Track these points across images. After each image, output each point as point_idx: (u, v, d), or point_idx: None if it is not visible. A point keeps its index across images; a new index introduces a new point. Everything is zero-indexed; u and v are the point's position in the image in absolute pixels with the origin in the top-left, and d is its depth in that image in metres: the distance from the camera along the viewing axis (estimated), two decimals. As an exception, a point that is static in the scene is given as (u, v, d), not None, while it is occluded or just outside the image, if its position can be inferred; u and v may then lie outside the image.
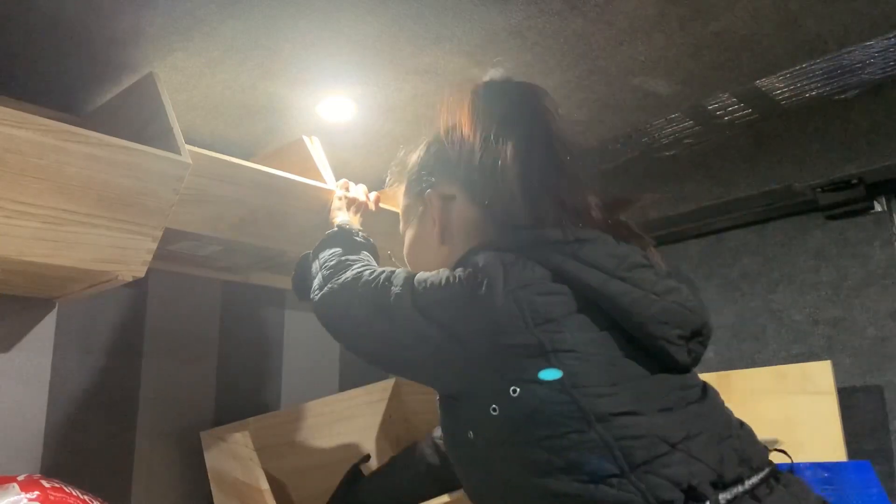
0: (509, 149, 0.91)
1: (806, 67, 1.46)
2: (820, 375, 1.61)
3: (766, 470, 0.81)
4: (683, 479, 0.74)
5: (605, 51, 1.32)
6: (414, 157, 1.08)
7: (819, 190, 1.74)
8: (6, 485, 1.02)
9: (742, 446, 0.82)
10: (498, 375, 0.81)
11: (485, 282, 0.83)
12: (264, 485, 1.25)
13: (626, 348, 0.84)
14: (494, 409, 0.81)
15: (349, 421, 1.64)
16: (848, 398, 1.68)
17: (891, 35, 1.34)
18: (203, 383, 1.58)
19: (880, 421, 1.67)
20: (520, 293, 0.82)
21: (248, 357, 1.68)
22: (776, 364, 1.82)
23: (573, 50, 1.31)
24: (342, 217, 1.31)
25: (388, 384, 1.74)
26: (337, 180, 1.44)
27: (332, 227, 1.26)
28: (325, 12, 1.16)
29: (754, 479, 0.79)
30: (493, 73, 1.01)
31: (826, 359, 1.68)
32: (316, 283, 1.07)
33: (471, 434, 0.84)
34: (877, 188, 1.74)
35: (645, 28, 1.26)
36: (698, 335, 0.90)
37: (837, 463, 1.42)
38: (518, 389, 0.80)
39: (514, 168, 0.91)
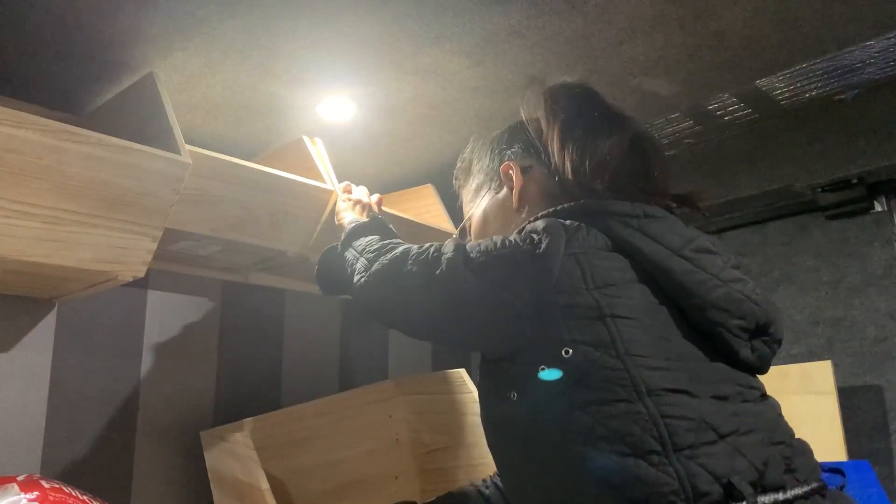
0: (579, 131, 0.96)
1: (806, 67, 1.46)
2: (820, 375, 1.61)
3: (814, 485, 0.78)
4: (724, 472, 0.72)
5: (605, 51, 1.32)
6: (486, 147, 1.11)
7: (819, 190, 1.74)
8: (6, 485, 1.01)
9: (792, 456, 0.80)
10: (551, 335, 0.80)
11: (545, 241, 0.83)
12: (264, 484, 1.25)
13: (685, 329, 0.82)
14: (543, 369, 0.80)
15: (349, 421, 1.64)
16: (848, 398, 1.68)
17: (891, 35, 1.34)
18: (203, 383, 1.58)
19: (880, 421, 1.67)
20: (580, 255, 0.82)
21: (248, 357, 1.68)
22: (776, 364, 1.81)
23: (573, 50, 1.31)
24: (350, 216, 1.31)
25: (388, 384, 1.73)
26: (339, 182, 1.45)
27: (341, 227, 1.27)
28: (325, 12, 1.16)
29: (797, 491, 0.76)
30: (564, 79, 1.05)
31: (826, 359, 1.68)
32: (359, 266, 1.04)
33: (514, 395, 0.83)
34: (877, 188, 1.74)
35: (645, 28, 1.26)
36: (764, 333, 0.88)
37: (837, 463, 1.42)
38: (570, 350, 0.78)
39: (588, 149, 0.94)
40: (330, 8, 1.15)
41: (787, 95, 1.59)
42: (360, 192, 1.39)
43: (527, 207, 1.00)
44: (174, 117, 1.19)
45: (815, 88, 1.57)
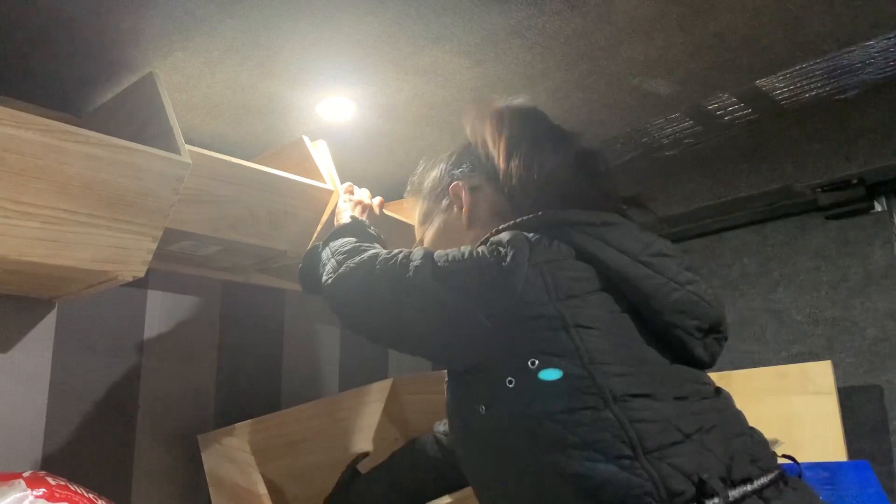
0: (525, 146, 0.98)
1: (806, 67, 1.46)
2: (820, 375, 1.62)
3: (775, 472, 0.81)
4: (694, 470, 0.74)
5: (605, 51, 1.32)
6: (434, 169, 1.14)
7: (819, 190, 1.74)
8: (12, 480, 1.01)
9: (753, 446, 0.82)
10: (517, 347, 0.82)
11: (510, 254, 0.84)
12: (262, 489, 1.24)
13: (645, 334, 0.85)
14: (510, 381, 0.81)
15: (349, 421, 1.64)
16: (848, 398, 1.68)
17: (891, 35, 1.34)
18: (203, 383, 1.58)
19: (880, 421, 1.67)
20: (544, 266, 0.84)
21: (248, 357, 1.68)
22: (777, 364, 1.82)
23: (573, 50, 1.31)
24: (347, 217, 1.32)
25: (388, 384, 1.73)
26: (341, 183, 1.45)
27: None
28: (325, 12, 1.16)
29: (763, 480, 0.79)
30: (509, 100, 1.08)
31: (826, 359, 1.68)
32: (329, 267, 1.06)
33: (482, 408, 0.84)
34: (877, 188, 1.74)
35: (645, 28, 1.26)
36: (716, 331, 0.91)
37: (836, 463, 1.42)
38: (536, 361, 0.80)
39: (535, 162, 0.97)
40: (330, 8, 1.15)
41: (787, 95, 1.59)
42: (362, 194, 1.39)
43: (478, 226, 1.03)
44: (174, 117, 1.19)
45: (815, 88, 1.57)
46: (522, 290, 0.82)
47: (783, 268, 1.89)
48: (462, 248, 0.91)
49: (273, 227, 1.41)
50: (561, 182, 0.96)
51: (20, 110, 0.98)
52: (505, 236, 0.88)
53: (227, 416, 1.56)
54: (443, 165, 1.13)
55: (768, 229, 1.94)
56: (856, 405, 1.70)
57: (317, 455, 1.56)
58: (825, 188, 1.73)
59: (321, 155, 1.49)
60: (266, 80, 1.36)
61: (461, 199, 1.06)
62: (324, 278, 1.06)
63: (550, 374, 0.80)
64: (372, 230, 1.21)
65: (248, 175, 1.32)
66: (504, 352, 0.83)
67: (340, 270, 1.02)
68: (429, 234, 1.12)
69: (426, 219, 1.13)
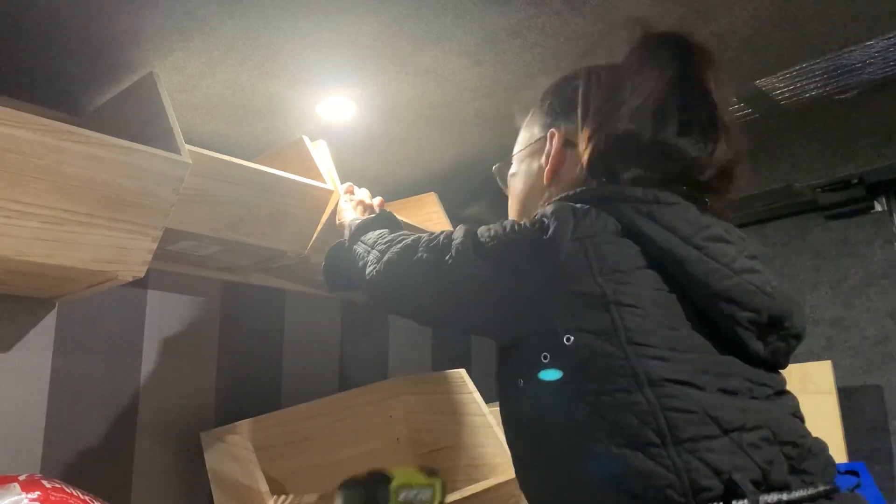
0: (622, 112, 0.88)
1: (806, 67, 1.46)
2: (820, 375, 1.61)
3: (821, 488, 0.76)
4: (726, 468, 0.71)
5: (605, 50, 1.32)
6: (548, 98, 1.02)
7: (819, 190, 1.74)
8: (7, 485, 1.01)
9: (800, 457, 0.77)
10: (554, 322, 0.79)
11: (552, 227, 0.81)
12: (264, 487, 1.24)
13: (695, 320, 0.79)
14: (545, 357, 0.79)
15: (349, 421, 1.64)
16: (848, 398, 1.68)
17: (891, 35, 1.34)
18: (203, 383, 1.58)
19: (880, 421, 1.67)
20: (587, 241, 0.80)
21: (248, 357, 1.68)
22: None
23: (573, 50, 1.31)
24: (352, 215, 1.32)
25: (388, 384, 1.73)
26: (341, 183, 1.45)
27: (343, 227, 1.27)
28: (325, 12, 1.16)
29: (801, 493, 0.74)
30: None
31: (826, 359, 1.68)
32: (371, 258, 1.04)
33: (521, 382, 0.82)
34: (877, 188, 1.74)
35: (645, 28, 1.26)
36: (779, 327, 0.83)
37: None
38: (572, 338, 0.77)
39: (612, 130, 0.88)
40: (330, 8, 1.15)
41: (787, 95, 1.59)
42: (362, 194, 1.39)
43: (554, 187, 0.96)
44: (174, 117, 1.19)
45: (815, 88, 1.57)
46: (563, 264, 0.79)
47: (783, 268, 1.89)
48: (505, 221, 0.88)
49: (273, 227, 1.41)
50: (634, 156, 0.88)
51: (20, 110, 0.98)
52: (550, 208, 0.84)
53: (226, 416, 1.56)
54: (555, 99, 1.00)
55: (768, 229, 1.94)
56: (856, 405, 1.70)
57: (317, 455, 1.56)
58: (825, 188, 1.73)
59: (321, 155, 1.49)
60: (266, 80, 1.36)
61: (552, 150, 0.96)
62: (367, 270, 1.04)
63: (583, 348, 0.76)
64: (399, 219, 1.19)
65: (248, 175, 1.32)
66: (542, 326, 0.80)
67: (385, 258, 1.00)
68: (514, 170, 1.04)
69: (525, 140, 1.03)
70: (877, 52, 1.42)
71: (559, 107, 0.98)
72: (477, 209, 2.02)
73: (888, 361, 1.69)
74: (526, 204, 1.01)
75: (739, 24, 1.26)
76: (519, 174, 1.03)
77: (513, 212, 1.04)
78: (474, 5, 1.17)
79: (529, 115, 1.04)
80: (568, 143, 0.95)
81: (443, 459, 1.64)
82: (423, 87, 1.41)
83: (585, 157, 0.90)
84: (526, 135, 1.03)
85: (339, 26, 1.20)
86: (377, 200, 1.39)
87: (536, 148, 1.00)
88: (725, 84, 0.92)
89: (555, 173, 0.96)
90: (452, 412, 1.63)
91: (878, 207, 1.77)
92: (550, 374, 0.79)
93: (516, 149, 1.05)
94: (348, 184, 1.42)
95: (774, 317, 0.83)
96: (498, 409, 1.64)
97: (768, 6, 1.21)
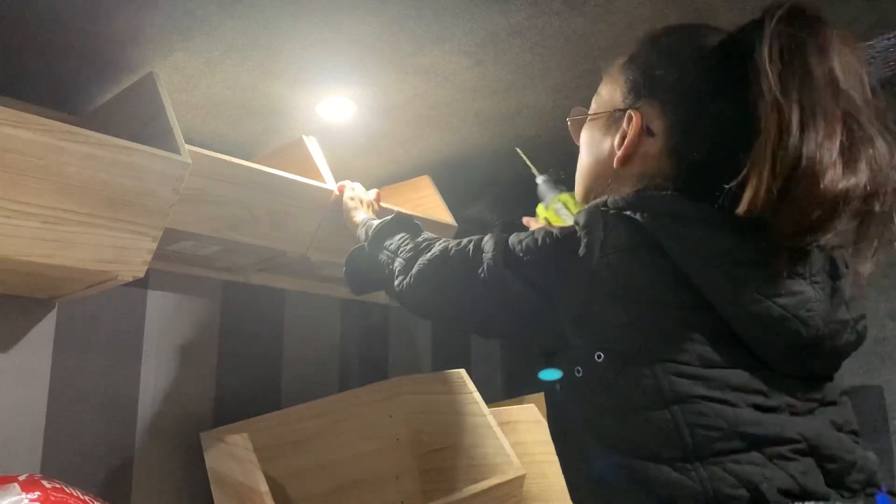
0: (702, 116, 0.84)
1: (806, 67, 1.46)
2: (820, 375, 1.61)
3: (861, 499, 0.74)
4: (753, 479, 0.69)
5: (605, 51, 1.32)
6: (631, 69, 0.93)
7: (819, 190, 1.74)
8: (7, 485, 1.01)
9: (840, 469, 0.75)
10: (584, 339, 0.79)
11: (583, 242, 0.80)
12: (263, 487, 1.24)
13: (726, 336, 0.76)
14: (578, 371, 0.80)
15: (349, 421, 1.64)
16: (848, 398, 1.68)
17: (891, 35, 1.34)
18: (203, 383, 1.58)
19: (880, 421, 1.67)
20: (613, 257, 0.78)
21: (248, 357, 1.68)
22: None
23: (573, 50, 1.31)
24: (362, 215, 1.32)
25: (387, 384, 1.74)
26: (337, 181, 1.45)
27: (354, 226, 1.27)
28: (325, 12, 1.16)
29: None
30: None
31: (826, 359, 1.68)
32: (397, 268, 1.04)
33: (558, 387, 0.84)
34: (877, 188, 1.74)
35: (645, 28, 1.25)
36: (818, 347, 0.78)
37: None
38: (602, 356, 0.77)
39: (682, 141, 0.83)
40: (330, 8, 1.15)
41: (787, 95, 1.59)
42: (357, 189, 1.40)
43: (626, 173, 0.87)
44: (174, 117, 1.19)
45: (815, 88, 1.56)
46: (591, 283, 0.78)
47: (783, 268, 1.89)
48: (537, 231, 0.86)
49: (273, 227, 1.41)
50: (701, 171, 0.81)
51: (20, 110, 0.98)
52: (583, 217, 0.82)
53: (226, 416, 1.56)
54: (644, 75, 0.90)
55: (768, 229, 1.94)
56: (856, 405, 1.69)
57: (318, 454, 1.56)
58: (825, 188, 1.73)
59: (314, 151, 1.49)
60: (266, 80, 1.36)
61: (629, 133, 0.87)
62: (396, 281, 1.04)
63: (552, 375, 0.79)
64: (416, 220, 1.18)
65: (248, 175, 1.32)
66: (574, 342, 0.81)
67: (414, 271, 1.00)
68: (583, 140, 0.96)
69: (602, 104, 0.94)
70: (877, 52, 1.42)
71: (647, 86, 0.89)
72: (477, 209, 2.02)
73: (888, 361, 1.69)
74: (591, 187, 0.94)
75: (739, 24, 1.26)
76: (588, 146, 0.95)
77: (579, 187, 0.97)
78: (474, 5, 1.17)
79: (616, 70, 0.94)
80: (648, 131, 0.86)
81: (443, 459, 1.64)
82: (423, 87, 1.41)
83: (671, 169, 0.84)
84: (606, 96, 0.94)
85: (339, 26, 1.20)
86: (373, 193, 1.39)
87: (613, 121, 0.91)
88: None
89: (627, 159, 0.88)
90: (452, 412, 1.63)
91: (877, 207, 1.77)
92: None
93: (593, 106, 0.96)
94: (341, 183, 1.43)
95: (809, 343, 0.78)
96: (498, 409, 1.65)
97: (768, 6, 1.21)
